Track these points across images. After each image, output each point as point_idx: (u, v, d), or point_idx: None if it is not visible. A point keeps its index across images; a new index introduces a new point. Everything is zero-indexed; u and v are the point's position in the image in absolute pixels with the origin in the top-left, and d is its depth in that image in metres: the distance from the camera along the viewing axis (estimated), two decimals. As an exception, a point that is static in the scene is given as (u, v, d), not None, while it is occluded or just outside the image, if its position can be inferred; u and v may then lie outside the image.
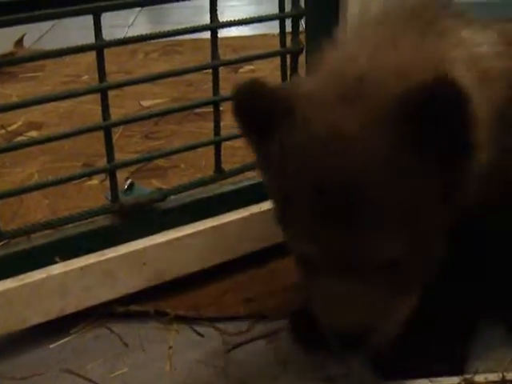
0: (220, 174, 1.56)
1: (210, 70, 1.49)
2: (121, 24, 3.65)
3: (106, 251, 1.42)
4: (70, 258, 1.40)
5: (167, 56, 3.06)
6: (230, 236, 1.50)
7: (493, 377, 1.22)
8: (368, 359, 1.25)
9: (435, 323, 1.23)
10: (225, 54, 1.55)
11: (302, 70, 1.53)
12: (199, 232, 1.48)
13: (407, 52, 1.09)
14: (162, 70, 1.54)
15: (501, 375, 1.22)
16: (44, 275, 1.36)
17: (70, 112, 2.40)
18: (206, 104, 1.60)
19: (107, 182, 1.48)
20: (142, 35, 1.41)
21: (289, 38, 1.54)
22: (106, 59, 1.36)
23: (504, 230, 1.19)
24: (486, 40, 1.17)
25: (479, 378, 1.22)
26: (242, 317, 1.41)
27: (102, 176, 1.87)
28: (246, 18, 1.52)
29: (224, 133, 1.55)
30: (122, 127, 2.14)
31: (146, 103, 2.47)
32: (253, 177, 1.57)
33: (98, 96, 1.38)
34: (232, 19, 1.49)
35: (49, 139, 1.39)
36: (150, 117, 1.51)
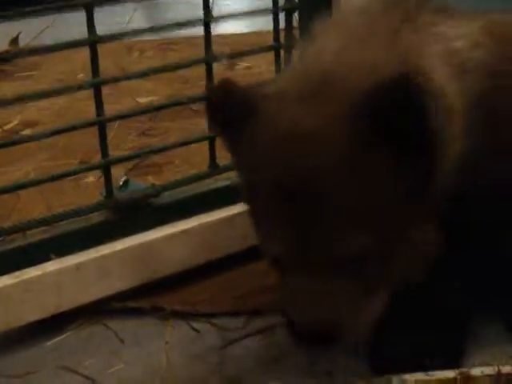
0: (214, 169, 1.56)
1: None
2: (118, 22, 3.64)
3: (101, 247, 1.42)
4: (65, 255, 1.40)
5: (163, 54, 3.06)
6: (225, 231, 1.50)
7: (489, 370, 1.22)
8: (356, 353, 1.25)
9: (431, 317, 1.23)
10: (221, 51, 1.55)
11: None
12: (194, 228, 1.48)
13: (377, 48, 1.09)
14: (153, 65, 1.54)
15: (497, 369, 1.22)
16: (39, 272, 1.36)
17: (66, 110, 2.39)
18: (200, 100, 1.59)
19: (103, 179, 1.48)
20: (135, 30, 1.42)
21: (283, 34, 1.54)
22: (101, 57, 1.36)
23: (486, 220, 1.18)
24: (464, 33, 1.17)
25: (475, 371, 1.22)
26: (239, 312, 1.41)
27: (99, 173, 1.86)
28: (239, 12, 1.52)
29: (218, 129, 1.54)
30: (117, 124, 2.14)
31: (141, 100, 2.47)
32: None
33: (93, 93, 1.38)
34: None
35: (43, 136, 1.39)
36: (143, 112, 1.52)
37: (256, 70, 2.63)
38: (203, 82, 1.53)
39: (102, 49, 1.36)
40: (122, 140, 2.13)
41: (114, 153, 1.44)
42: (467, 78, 1.13)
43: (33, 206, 1.80)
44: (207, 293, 1.47)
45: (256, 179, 1.09)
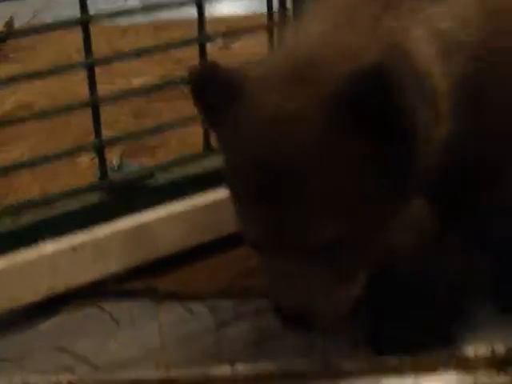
0: (209, 150, 1.56)
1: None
2: (113, 1, 3.61)
3: (95, 229, 1.42)
4: (60, 236, 1.40)
5: (157, 36, 3.04)
6: (220, 213, 1.49)
7: (482, 351, 1.23)
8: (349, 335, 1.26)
9: (424, 298, 1.23)
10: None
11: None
12: (189, 209, 1.48)
13: (360, 33, 1.08)
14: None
15: (490, 349, 1.23)
16: (34, 254, 1.37)
17: (61, 92, 2.37)
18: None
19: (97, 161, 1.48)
20: (127, 9, 1.41)
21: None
22: (96, 40, 1.36)
23: (471, 201, 1.18)
24: (453, 13, 1.16)
25: (469, 352, 1.23)
26: (232, 293, 1.41)
27: (93, 155, 1.86)
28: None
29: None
30: (111, 106, 2.13)
31: (136, 81, 2.46)
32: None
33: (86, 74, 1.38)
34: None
35: (37, 116, 1.39)
36: (136, 93, 1.51)
37: (250, 51, 2.62)
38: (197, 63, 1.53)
39: (96, 31, 1.36)
40: (116, 122, 2.12)
41: (107, 134, 1.44)
42: (452, 60, 1.12)
43: (28, 188, 1.79)
44: (201, 274, 1.47)
45: (237, 161, 1.09)
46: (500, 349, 1.22)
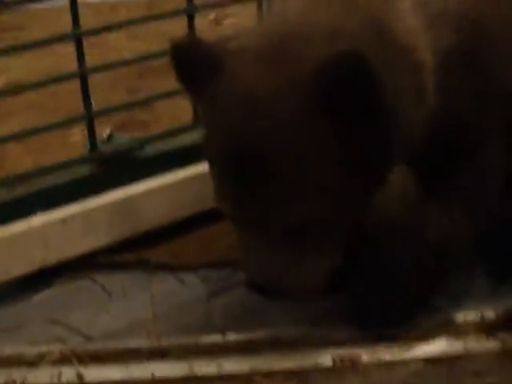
0: (198, 122, 1.55)
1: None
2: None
3: (86, 201, 1.42)
4: (50, 209, 1.40)
5: (151, 12, 3.02)
6: (210, 185, 1.49)
7: (472, 316, 1.23)
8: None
9: (406, 266, 1.22)
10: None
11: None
12: (179, 181, 1.48)
13: (341, 6, 1.08)
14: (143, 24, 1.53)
15: (479, 314, 1.23)
16: (25, 226, 1.37)
17: (53, 70, 2.37)
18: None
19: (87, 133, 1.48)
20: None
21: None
22: (86, 15, 1.35)
23: (455, 170, 1.19)
24: None
25: (458, 317, 1.23)
26: (224, 264, 1.41)
27: (85, 131, 1.86)
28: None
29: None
30: (103, 83, 2.13)
31: (128, 56, 2.44)
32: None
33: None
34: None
35: (27, 88, 1.38)
36: (125, 64, 1.50)
37: (242, 25, 2.61)
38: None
39: (86, 8, 1.35)
40: (109, 97, 2.11)
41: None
42: (437, 31, 1.12)
43: (20, 163, 1.79)
44: (192, 245, 1.47)
45: (212, 135, 1.11)
46: (490, 314, 1.23)
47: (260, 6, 1.54)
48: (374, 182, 1.09)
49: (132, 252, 1.45)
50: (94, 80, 1.49)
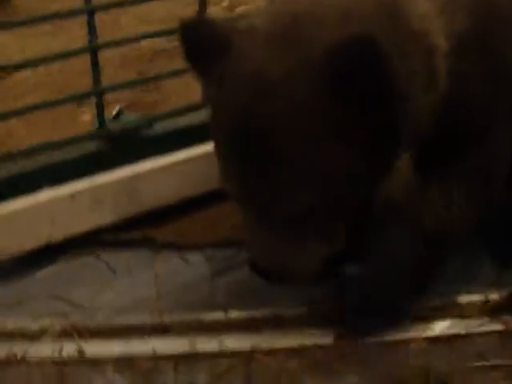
0: (207, 101, 1.55)
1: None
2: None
3: (94, 178, 1.42)
4: (58, 184, 1.40)
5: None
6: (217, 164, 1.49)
7: (476, 297, 1.23)
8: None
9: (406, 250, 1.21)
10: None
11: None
12: (188, 159, 1.48)
13: None
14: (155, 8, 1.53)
15: (483, 297, 1.22)
16: (32, 202, 1.37)
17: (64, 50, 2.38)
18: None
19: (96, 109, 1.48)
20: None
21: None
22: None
23: (463, 155, 1.18)
24: None
25: (462, 299, 1.23)
26: (229, 243, 1.41)
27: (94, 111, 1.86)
28: None
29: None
30: (116, 65, 2.13)
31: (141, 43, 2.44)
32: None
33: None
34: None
35: (37, 63, 1.38)
36: (135, 40, 1.50)
37: (255, 12, 2.60)
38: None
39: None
40: (120, 79, 2.12)
41: (111, 91, 1.44)
42: (451, 16, 1.11)
43: (29, 141, 1.80)
44: (198, 225, 1.47)
45: (218, 115, 1.09)
46: (493, 296, 1.22)
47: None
48: (381, 167, 1.08)
49: (138, 230, 1.45)
50: (105, 62, 1.49)
